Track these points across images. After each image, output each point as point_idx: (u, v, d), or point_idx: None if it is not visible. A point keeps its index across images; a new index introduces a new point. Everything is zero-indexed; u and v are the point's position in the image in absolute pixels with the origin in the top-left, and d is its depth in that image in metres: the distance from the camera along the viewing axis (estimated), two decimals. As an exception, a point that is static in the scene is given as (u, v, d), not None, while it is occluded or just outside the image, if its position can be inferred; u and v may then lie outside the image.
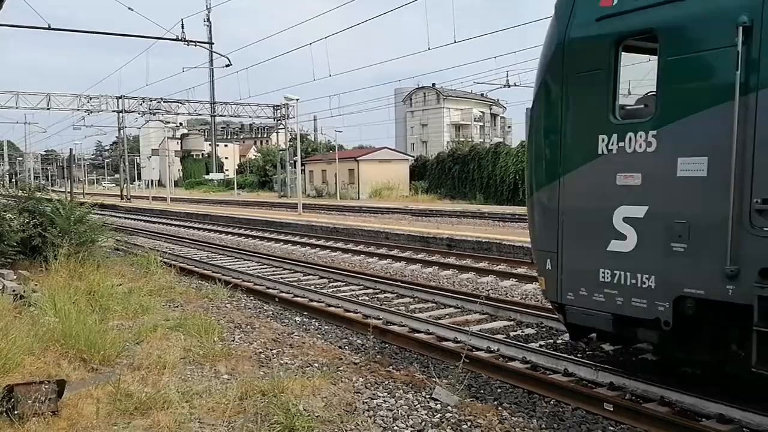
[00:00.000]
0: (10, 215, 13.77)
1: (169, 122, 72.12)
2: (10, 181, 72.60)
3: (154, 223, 35.44)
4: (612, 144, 6.04)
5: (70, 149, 35.29)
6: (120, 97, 52.64)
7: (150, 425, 5.49)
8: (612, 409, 6.15)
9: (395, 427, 5.67)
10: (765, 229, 4.97)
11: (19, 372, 6.54)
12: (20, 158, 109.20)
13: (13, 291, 10.13)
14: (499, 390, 7.05)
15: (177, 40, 25.64)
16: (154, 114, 56.93)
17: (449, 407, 6.24)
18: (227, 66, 27.98)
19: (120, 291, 10.93)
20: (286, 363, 7.65)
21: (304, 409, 5.79)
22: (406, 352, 8.61)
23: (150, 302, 10.32)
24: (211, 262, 17.10)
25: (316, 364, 7.63)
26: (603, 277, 6.22)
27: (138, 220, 38.23)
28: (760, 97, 4.99)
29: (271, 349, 8.36)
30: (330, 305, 11.20)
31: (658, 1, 5.74)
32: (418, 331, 9.19)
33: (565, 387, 6.76)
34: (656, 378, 6.64)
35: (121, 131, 61.94)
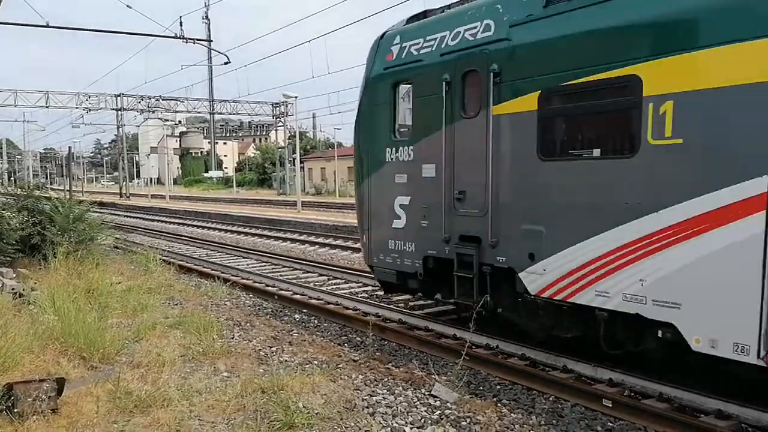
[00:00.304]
0: (9, 213, 13.77)
1: (167, 120, 72.07)
2: (9, 179, 72.59)
3: (153, 220, 35.44)
4: (393, 154, 8.95)
5: (69, 147, 35.25)
6: (119, 95, 52.57)
7: (150, 423, 5.50)
8: (611, 405, 6.16)
9: (395, 424, 5.68)
10: (460, 210, 7.94)
11: (19, 370, 6.54)
12: (19, 156, 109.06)
13: (13, 289, 10.13)
14: (498, 387, 7.06)
15: (175, 37, 25.60)
16: (153, 112, 56.88)
17: (448, 404, 6.25)
18: (226, 63, 27.94)
19: (119, 289, 10.95)
20: (286, 360, 7.66)
21: (304, 406, 5.80)
22: (405, 349, 8.63)
23: (149, 300, 10.34)
24: (210, 260, 17.09)
25: (316, 362, 7.64)
26: (390, 246, 9.14)
27: (137, 218, 38.23)
28: (455, 126, 7.90)
29: (271, 347, 8.37)
30: (329, 303, 11.21)
31: (411, 60, 8.63)
32: (418, 328, 9.20)
33: (564, 383, 6.77)
34: (655, 374, 6.65)
35: (120, 129, 61.92)
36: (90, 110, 51.60)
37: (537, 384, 6.95)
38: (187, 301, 11.11)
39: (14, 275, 11.47)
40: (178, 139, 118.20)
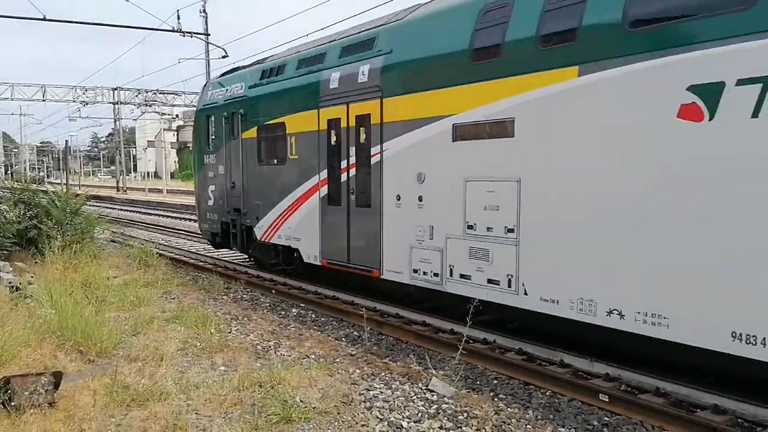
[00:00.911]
0: (6, 207, 13.73)
1: (165, 114, 71.86)
2: (6, 173, 72.33)
3: (150, 214, 35.37)
4: (207, 159, 14.68)
5: (66, 141, 35.16)
6: (116, 89, 52.36)
7: (147, 417, 5.50)
8: (607, 400, 6.19)
9: (392, 418, 5.69)
10: (233, 194, 13.51)
11: (16, 363, 6.54)
12: (15, 150, 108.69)
13: (9, 283, 10.12)
14: (495, 381, 7.08)
15: (173, 31, 25.53)
16: (150, 105, 56.67)
17: (446, 398, 6.26)
18: (223, 57, 27.90)
19: (116, 283, 10.94)
20: (283, 354, 7.66)
21: (301, 401, 5.81)
22: (402, 343, 8.64)
23: (146, 294, 10.34)
24: (208, 254, 17.07)
25: (313, 356, 7.65)
26: (207, 216, 14.97)
27: (134, 211, 38.15)
28: (230, 144, 13.49)
29: (268, 341, 8.37)
30: (326, 297, 11.21)
31: (213, 102, 14.29)
32: (415, 323, 9.21)
33: (560, 378, 6.78)
34: (652, 369, 6.67)
35: (117, 123, 61.72)
36: (87, 104, 51.37)
37: (534, 378, 6.97)
38: (184, 296, 11.11)
39: (11, 269, 11.45)
40: (176, 132, 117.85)
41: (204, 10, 28.55)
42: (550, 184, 7.05)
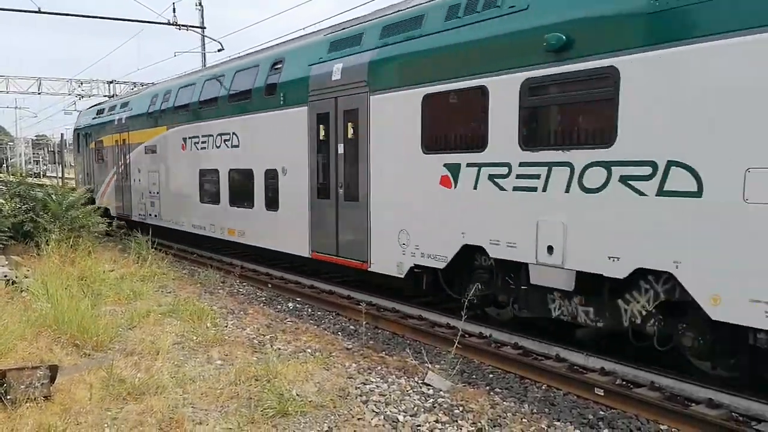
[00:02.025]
0: (1, 200, 13.68)
1: (161, 107, 71.37)
2: (1, 166, 71.96)
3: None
4: (77, 159, 25.44)
5: (62, 134, 35.05)
6: (111, 82, 52.03)
7: (143, 410, 5.50)
8: (603, 394, 6.21)
9: (388, 412, 5.70)
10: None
11: (12, 357, 6.52)
12: (11, 143, 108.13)
13: (5, 276, 10.08)
14: (491, 375, 7.10)
15: (169, 24, 25.40)
16: (146, 99, 56.29)
17: (441, 392, 6.27)
18: (219, 51, 27.72)
19: (112, 276, 10.91)
20: (280, 348, 7.66)
21: (297, 394, 5.82)
22: (398, 337, 8.65)
23: (142, 288, 10.31)
24: (204, 247, 17.04)
25: (309, 350, 7.65)
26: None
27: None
28: (83, 153, 23.45)
29: (265, 335, 8.37)
30: (323, 291, 11.21)
31: (80, 126, 23.78)
32: (411, 317, 9.23)
33: (556, 372, 6.81)
34: (647, 363, 6.70)
35: (113, 116, 61.33)
36: (82, 97, 51.08)
37: (529, 373, 6.99)
38: (180, 289, 11.10)
39: (6, 262, 11.42)
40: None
41: (200, 3, 28.40)
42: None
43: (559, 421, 5.77)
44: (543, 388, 6.67)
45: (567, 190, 6.78)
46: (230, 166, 13.29)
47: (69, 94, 48.65)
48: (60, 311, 7.73)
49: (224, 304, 10.20)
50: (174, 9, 26.22)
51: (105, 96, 43.04)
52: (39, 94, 49.22)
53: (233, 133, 13.05)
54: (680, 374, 6.38)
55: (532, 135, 7.19)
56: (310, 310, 10.35)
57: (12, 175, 17.27)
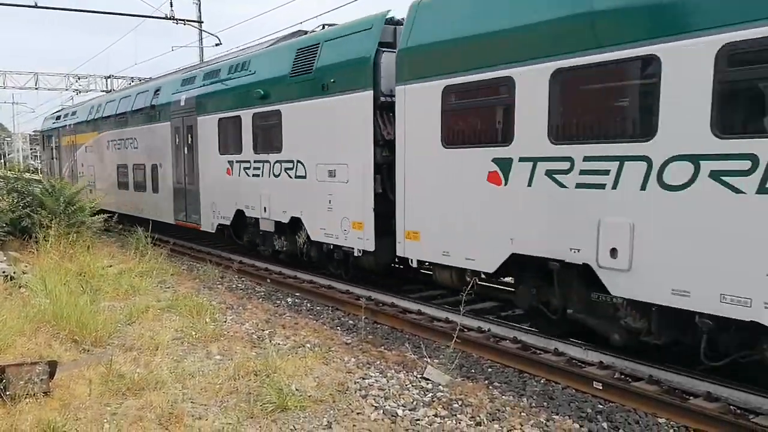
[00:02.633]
0: (-1, 196, 13.65)
1: (158, 102, 71.17)
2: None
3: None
4: (42, 156, 32.45)
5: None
6: (109, 77, 51.83)
7: (142, 405, 5.51)
8: (601, 388, 6.23)
9: (387, 406, 5.72)
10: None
11: (11, 353, 6.53)
12: (8, 138, 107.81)
13: (3, 272, 10.08)
14: (489, 369, 7.11)
15: (166, 18, 25.31)
16: (144, 94, 56.12)
17: (440, 386, 6.29)
18: (217, 45, 27.67)
19: (111, 272, 10.91)
20: (279, 343, 7.67)
21: (297, 389, 5.83)
22: (397, 332, 8.66)
23: (141, 283, 10.31)
24: (202, 242, 17.04)
25: (308, 345, 7.66)
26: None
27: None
28: (48, 150, 28.61)
29: (264, 330, 8.38)
30: (321, 286, 11.22)
31: (44, 129, 29.59)
32: (410, 312, 9.23)
33: (555, 366, 6.82)
34: (645, 357, 6.72)
35: (111, 111, 61.13)
36: (80, 92, 50.89)
37: (528, 367, 7.00)
38: (179, 285, 11.10)
39: (5, 258, 11.41)
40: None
41: (197, -2, 28.28)
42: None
43: (557, 414, 5.78)
44: (542, 382, 6.69)
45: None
46: (133, 161, 18.52)
47: (66, 90, 48.40)
48: (59, 307, 7.74)
49: (223, 299, 10.21)
50: (171, 3, 26.15)
51: (103, 91, 42.82)
52: (36, 89, 48.97)
53: (135, 138, 18.33)
54: (679, 368, 6.40)
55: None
56: (308, 304, 10.36)
57: (9, 170, 17.25)
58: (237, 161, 12.89)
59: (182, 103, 15.14)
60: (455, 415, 5.61)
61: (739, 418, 5.49)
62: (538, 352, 7.39)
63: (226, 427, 5.09)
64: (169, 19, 25.34)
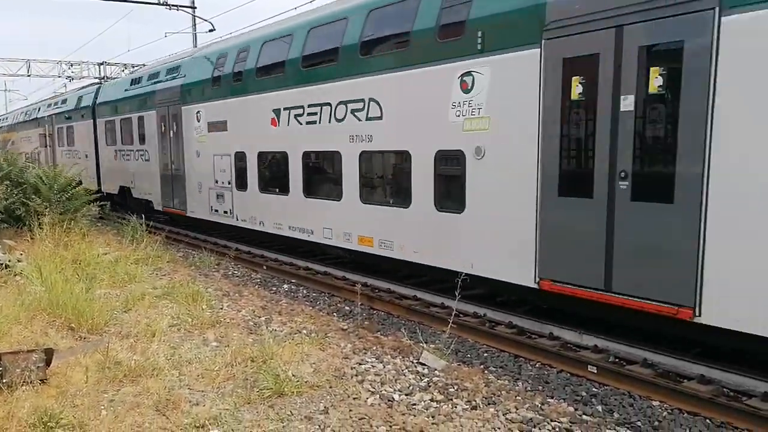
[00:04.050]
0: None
1: (152, 89, 70.71)
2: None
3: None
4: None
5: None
6: (101, 64, 51.42)
7: (139, 392, 5.52)
8: (596, 371, 6.27)
9: (383, 391, 5.74)
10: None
11: (7, 341, 6.53)
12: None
13: (-2, 260, 10.05)
14: (485, 354, 7.15)
15: (158, 4, 25.07)
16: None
17: (436, 371, 6.32)
18: (210, 31, 27.40)
19: (106, 260, 10.88)
20: (275, 330, 7.69)
21: (293, 375, 5.84)
22: (393, 317, 8.69)
23: (137, 271, 10.29)
24: (197, 229, 17.01)
25: (305, 331, 7.68)
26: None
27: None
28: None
29: (260, 317, 8.39)
30: (318, 272, 11.23)
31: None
32: (406, 297, 9.26)
33: (550, 350, 6.86)
34: (640, 340, 6.76)
35: (104, 98, 60.69)
36: (73, 79, 50.45)
37: (523, 351, 7.04)
38: (175, 272, 11.09)
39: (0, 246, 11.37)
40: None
41: (190, -17, 27.98)
42: None
43: (552, 398, 5.83)
44: (537, 366, 6.73)
45: None
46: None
47: (59, 76, 48.05)
48: (54, 295, 7.73)
49: (219, 286, 10.21)
50: (163, -12, 25.85)
51: (95, 78, 42.51)
52: (28, 76, 48.64)
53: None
54: (673, 351, 6.44)
55: None
56: (305, 291, 10.37)
57: (4, 159, 17.11)
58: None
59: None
60: (451, 399, 5.64)
61: (732, 401, 5.54)
62: (534, 336, 7.43)
63: (224, 413, 5.11)
64: (162, 4, 25.11)
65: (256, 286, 10.63)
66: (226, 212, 13.64)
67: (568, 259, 6.85)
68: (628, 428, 5.26)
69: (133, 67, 32.75)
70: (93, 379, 5.75)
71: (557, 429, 5.13)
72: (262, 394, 5.48)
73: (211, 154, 13.86)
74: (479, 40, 7.56)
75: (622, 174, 6.30)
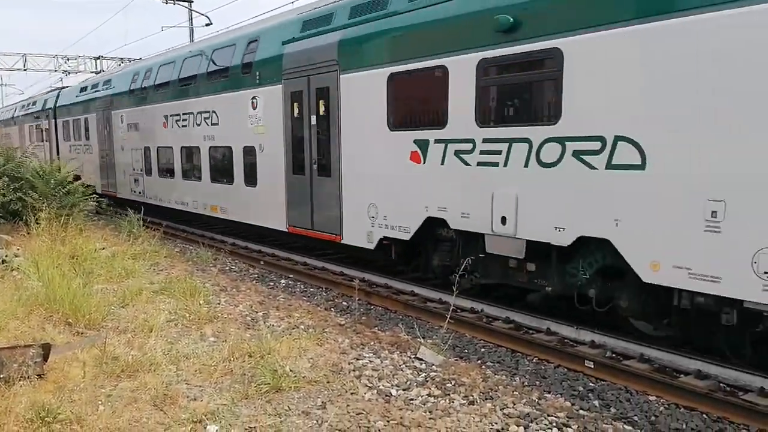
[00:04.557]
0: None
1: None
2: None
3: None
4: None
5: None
6: (98, 58, 51.23)
7: (137, 387, 5.52)
8: (593, 366, 6.29)
9: (381, 387, 5.75)
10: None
11: (4, 336, 6.52)
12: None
13: (-5, 255, 10.03)
14: (482, 349, 7.16)
15: (155, -2, 24.97)
16: (134, 75, 55.44)
17: (434, 367, 6.33)
18: (207, 25, 27.37)
19: (103, 255, 10.87)
20: (273, 325, 7.69)
21: (291, 370, 5.85)
22: (391, 313, 8.70)
23: (134, 266, 10.28)
24: (195, 225, 16.99)
25: (302, 326, 7.68)
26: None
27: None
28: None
29: (257, 312, 8.39)
30: (315, 268, 11.23)
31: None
32: (404, 293, 9.27)
33: (547, 345, 6.88)
34: (636, 336, 6.78)
35: (101, 93, 60.41)
36: (69, 73, 50.31)
37: (521, 346, 7.06)
38: (172, 267, 11.08)
39: (-4, 241, 11.35)
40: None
41: (187, -23, 27.92)
42: None
43: (549, 393, 5.84)
44: (534, 361, 6.74)
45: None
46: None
47: (55, 71, 47.89)
48: (52, 290, 7.72)
49: (216, 281, 10.21)
50: (160, -18, 25.76)
51: (92, 72, 42.41)
52: (25, 70, 48.41)
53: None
54: (669, 346, 6.46)
55: None
56: (302, 286, 10.38)
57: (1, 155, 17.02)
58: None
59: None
60: (448, 394, 5.65)
61: (728, 396, 5.56)
62: (531, 331, 7.44)
63: (221, 408, 5.12)
64: (159, -2, 25.00)
65: (254, 281, 10.63)
66: (140, 193, 18.07)
67: (297, 212, 11.03)
68: (625, 423, 5.28)
69: (130, 61, 32.62)
70: (90, 374, 5.75)
71: (554, 424, 5.15)
72: (259, 389, 5.49)
73: (130, 149, 18.33)
74: (258, 76, 11.89)
75: (314, 160, 10.51)
